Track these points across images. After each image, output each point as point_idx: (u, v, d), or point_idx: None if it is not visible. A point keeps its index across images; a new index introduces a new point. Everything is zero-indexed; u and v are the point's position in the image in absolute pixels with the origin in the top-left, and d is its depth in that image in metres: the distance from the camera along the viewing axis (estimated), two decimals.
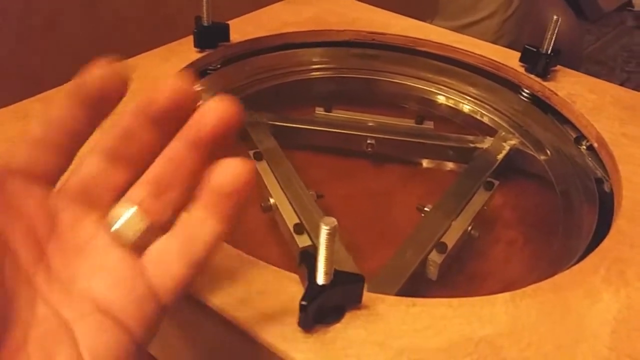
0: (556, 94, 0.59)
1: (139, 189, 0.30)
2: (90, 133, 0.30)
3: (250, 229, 0.52)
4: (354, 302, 0.33)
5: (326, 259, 0.31)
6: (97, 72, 0.28)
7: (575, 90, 0.60)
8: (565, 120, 0.60)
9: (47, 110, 0.29)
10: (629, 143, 0.52)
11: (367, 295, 0.35)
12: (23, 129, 0.48)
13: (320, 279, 0.32)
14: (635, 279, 0.38)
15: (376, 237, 0.53)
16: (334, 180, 0.59)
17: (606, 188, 0.52)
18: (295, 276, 0.36)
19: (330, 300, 0.32)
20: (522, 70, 0.63)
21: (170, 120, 0.29)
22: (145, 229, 0.29)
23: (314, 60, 0.68)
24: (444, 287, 0.48)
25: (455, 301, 0.36)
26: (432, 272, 0.47)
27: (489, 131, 0.63)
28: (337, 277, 0.32)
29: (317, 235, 0.48)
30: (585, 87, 0.61)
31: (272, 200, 0.51)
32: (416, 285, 0.47)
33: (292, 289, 0.35)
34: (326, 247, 0.31)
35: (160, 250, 0.29)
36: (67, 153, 0.30)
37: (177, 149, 0.29)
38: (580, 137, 0.58)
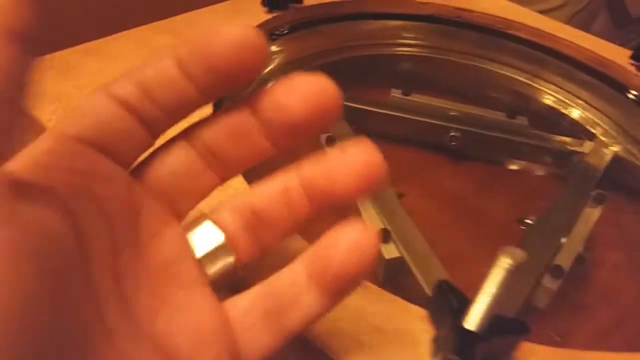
0: None
1: (234, 215, 0.23)
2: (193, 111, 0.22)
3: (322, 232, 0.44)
4: (504, 355, 0.26)
5: (493, 301, 0.24)
6: (235, 34, 0.20)
7: None
8: None
9: (143, 67, 0.21)
10: None
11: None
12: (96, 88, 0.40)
13: (473, 324, 0.24)
14: None
15: (468, 250, 0.45)
16: (413, 175, 0.51)
17: None
18: (421, 311, 0.28)
19: (481, 353, 0.24)
20: (632, 69, 0.55)
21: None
22: (231, 268, 0.22)
23: (393, 34, 0.59)
24: (549, 318, 0.41)
25: (614, 356, 0.28)
26: (543, 299, 0.40)
27: (589, 134, 0.55)
28: (495, 324, 0.24)
29: (407, 249, 0.41)
30: None
31: None
32: (521, 314, 0.39)
33: (415, 327, 0.27)
34: (497, 285, 0.23)
35: (248, 308, 0.22)
36: (158, 130, 0.22)
37: (296, 190, 0.23)
38: None
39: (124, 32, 0.46)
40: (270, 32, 0.53)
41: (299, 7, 0.54)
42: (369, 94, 0.56)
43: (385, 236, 0.40)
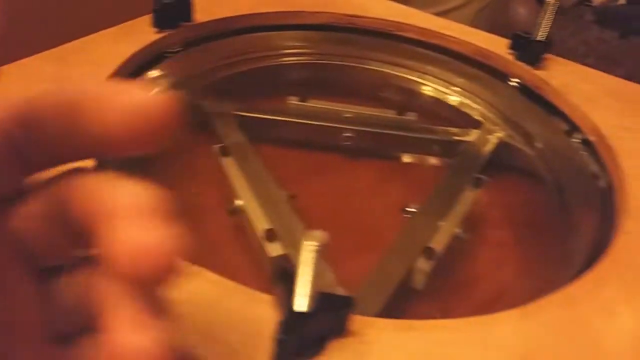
0: (548, 84, 0.55)
1: None
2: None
3: (213, 235, 0.46)
4: (339, 329, 0.28)
5: (309, 281, 0.26)
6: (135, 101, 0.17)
7: (568, 80, 0.56)
8: (557, 112, 0.56)
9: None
10: (629, 136, 0.48)
11: (352, 318, 0.30)
12: None
13: (301, 305, 0.26)
14: None
15: (355, 242, 0.48)
16: (308, 177, 0.54)
17: (601, 184, 0.48)
18: (268, 298, 0.31)
19: (311, 330, 0.27)
20: (511, 58, 0.59)
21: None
22: None
23: (287, 44, 0.62)
24: (430, 297, 0.43)
25: (456, 323, 0.31)
26: (419, 281, 0.42)
27: (475, 123, 0.58)
28: (321, 301, 0.27)
29: (293, 246, 0.43)
30: (579, 76, 0.57)
31: (239, 202, 0.45)
32: (401, 297, 0.42)
33: (264, 314, 0.30)
34: (310, 267, 0.26)
35: None
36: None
37: None
38: (573, 130, 0.54)
39: (10, 65, 0.48)
40: (161, 51, 0.55)
41: (190, 25, 0.56)
42: (267, 103, 0.59)
43: (270, 235, 0.42)
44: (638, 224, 0.39)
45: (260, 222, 0.44)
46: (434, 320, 0.31)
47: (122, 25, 0.54)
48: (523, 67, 0.58)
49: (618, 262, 0.36)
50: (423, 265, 0.42)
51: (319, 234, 0.25)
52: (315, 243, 0.25)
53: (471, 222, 0.50)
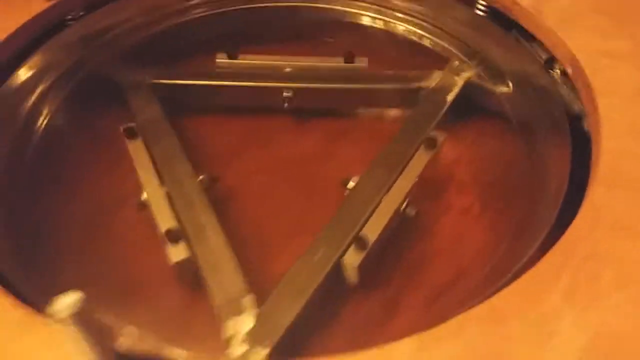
0: (518, 4, 0.44)
1: None
2: None
3: (121, 233, 0.40)
4: None
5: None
6: None
7: None
8: (532, 39, 0.46)
9: None
10: (611, 64, 0.38)
11: None
12: None
13: None
14: (613, 285, 0.26)
15: (291, 226, 0.41)
16: (241, 151, 0.47)
17: (586, 126, 0.39)
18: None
19: None
20: None
21: None
22: None
23: None
24: (373, 289, 0.37)
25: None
26: (350, 275, 0.36)
27: (440, 61, 0.49)
28: None
29: (201, 247, 0.37)
30: None
31: (145, 195, 0.39)
32: (334, 290, 0.36)
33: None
34: (79, 344, 0.19)
35: None
36: None
37: None
38: (553, 59, 0.44)
39: None
40: (59, 19, 0.47)
41: None
42: (191, 67, 0.51)
43: (173, 237, 0.36)
44: (610, 192, 0.30)
45: (164, 220, 0.37)
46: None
47: None
48: None
49: (574, 251, 0.28)
50: (351, 258, 0.35)
51: (69, 297, 0.19)
52: (66, 310, 0.19)
53: (431, 187, 0.43)
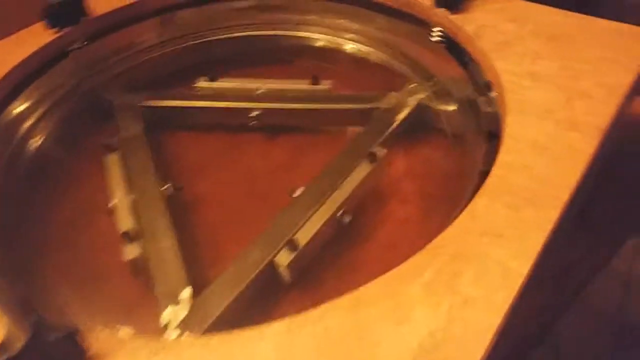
0: (462, 30, 0.48)
1: None
2: None
3: (92, 235, 0.46)
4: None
5: None
6: None
7: (489, 21, 0.48)
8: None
9: None
10: (532, 85, 0.41)
11: (107, 338, 0.28)
12: None
13: None
14: (470, 283, 0.29)
15: (242, 232, 0.45)
16: (213, 163, 0.52)
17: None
18: None
19: None
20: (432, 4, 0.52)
21: None
22: None
23: (195, 23, 0.59)
24: (305, 287, 0.41)
25: (216, 340, 0.28)
26: (284, 274, 0.40)
27: (401, 83, 0.53)
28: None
29: (153, 246, 0.41)
30: (507, 15, 0.49)
31: (113, 202, 0.45)
32: (271, 288, 0.40)
33: None
34: None
35: None
36: None
37: None
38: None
39: None
40: (65, 49, 0.54)
41: (90, 18, 0.55)
42: (177, 90, 0.57)
43: (129, 237, 0.41)
44: (490, 203, 0.33)
45: (124, 223, 0.42)
46: (189, 339, 0.29)
47: (16, 34, 0.54)
48: (443, 14, 0.51)
49: (444, 250, 0.31)
50: (283, 258, 0.39)
51: None
52: None
53: (377, 198, 0.46)
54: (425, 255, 0.30)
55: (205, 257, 0.43)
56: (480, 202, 0.33)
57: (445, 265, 0.30)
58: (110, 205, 0.44)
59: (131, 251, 0.41)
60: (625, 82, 0.39)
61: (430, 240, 0.42)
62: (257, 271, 0.39)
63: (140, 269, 0.41)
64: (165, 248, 0.41)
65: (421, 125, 0.50)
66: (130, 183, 0.46)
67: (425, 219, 0.45)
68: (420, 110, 0.50)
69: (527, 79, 0.41)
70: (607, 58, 0.42)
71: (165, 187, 0.46)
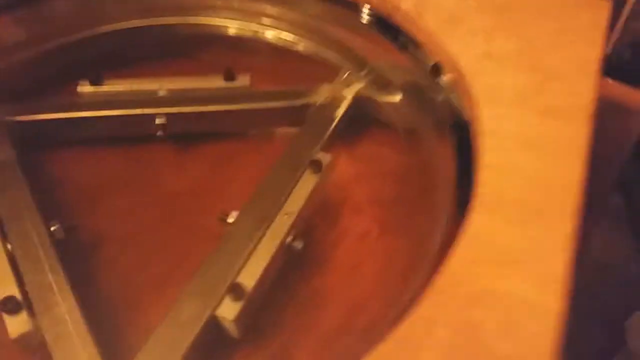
0: (399, 8, 0.41)
1: None
2: None
3: None
4: None
5: None
6: None
7: None
8: (415, 44, 0.43)
9: None
10: (494, 68, 0.35)
11: None
12: None
13: None
14: (497, 337, 0.22)
15: (163, 275, 0.36)
16: (113, 187, 0.41)
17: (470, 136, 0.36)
18: None
19: None
20: None
21: None
22: None
23: (70, 14, 0.47)
24: (258, 337, 0.32)
25: None
26: (230, 329, 0.31)
27: (328, 73, 0.45)
28: None
29: (48, 315, 0.30)
30: None
31: None
32: (214, 346, 0.31)
33: None
34: None
35: None
36: None
37: None
38: (439, 65, 0.41)
39: None
40: None
41: None
42: (52, 99, 0.45)
43: (12, 306, 0.30)
44: (489, 219, 0.27)
45: (2, 285, 0.31)
46: None
47: None
48: None
49: (450, 295, 0.24)
50: (227, 311, 0.30)
51: None
52: None
53: (322, 214, 0.39)
54: (432, 301, 0.23)
55: (120, 319, 0.33)
56: (478, 220, 0.26)
57: (460, 312, 0.23)
58: None
59: (17, 326, 0.30)
60: (593, 56, 0.35)
61: (392, 260, 0.36)
62: (197, 330, 0.30)
63: (34, 346, 0.30)
64: (65, 317, 0.30)
65: (361, 120, 0.43)
66: (3, 227, 0.34)
67: (386, 229, 0.38)
68: (360, 103, 0.43)
69: (486, 60, 0.36)
70: (567, 29, 0.37)
71: (53, 227, 0.35)
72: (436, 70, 0.40)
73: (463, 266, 0.24)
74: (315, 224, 0.38)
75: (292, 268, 0.35)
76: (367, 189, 0.41)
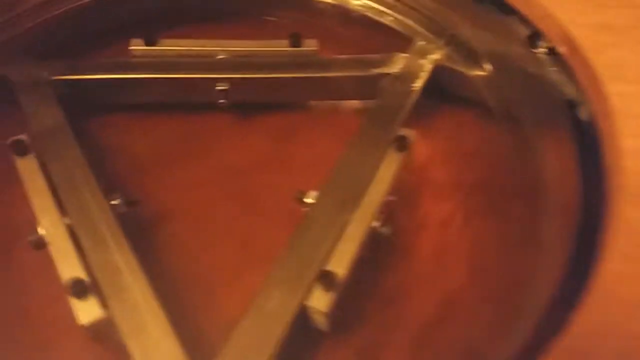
0: None
1: None
2: None
3: (18, 280, 0.31)
4: None
5: None
6: None
7: None
8: (512, 11, 0.39)
9: None
10: (613, 41, 0.32)
11: None
12: None
13: None
14: None
15: (238, 257, 0.33)
16: (173, 159, 0.38)
17: (582, 115, 0.33)
18: None
19: None
20: None
21: None
22: None
23: None
24: (342, 330, 0.29)
25: None
26: (320, 322, 0.28)
27: (403, 42, 0.41)
28: None
29: (118, 301, 0.27)
30: None
31: (42, 230, 0.30)
32: (295, 338, 0.28)
33: None
34: None
35: None
36: None
37: None
38: (537, 35, 0.37)
39: None
40: None
41: None
42: (100, 57, 0.41)
43: (80, 289, 0.27)
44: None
45: (67, 266, 0.28)
46: None
47: None
48: None
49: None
50: (319, 302, 0.27)
51: None
52: None
53: (403, 195, 0.35)
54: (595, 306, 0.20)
55: (194, 303, 0.30)
56: (629, 213, 0.23)
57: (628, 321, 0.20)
58: (38, 234, 0.29)
59: (87, 312, 0.27)
60: None
61: (480, 248, 0.33)
62: (285, 325, 0.27)
63: (105, 336, 0.27)
64: (139, 302, 0.27)
65: (444, 95, 0.39)
66: (61, 200, 0.31)
67: (472, 214, 0.35)
68: (440, 74, 0.39)
69: (603, 32, 0.32)
70: None
71: (114, 203, 0.32)
72: (533, 41, 0.37)
73: (623, 264, 0.21)
74: (391, 208, 0.35)
75: (375, 257, 0.32)
76: (448, 172, 0.38)
